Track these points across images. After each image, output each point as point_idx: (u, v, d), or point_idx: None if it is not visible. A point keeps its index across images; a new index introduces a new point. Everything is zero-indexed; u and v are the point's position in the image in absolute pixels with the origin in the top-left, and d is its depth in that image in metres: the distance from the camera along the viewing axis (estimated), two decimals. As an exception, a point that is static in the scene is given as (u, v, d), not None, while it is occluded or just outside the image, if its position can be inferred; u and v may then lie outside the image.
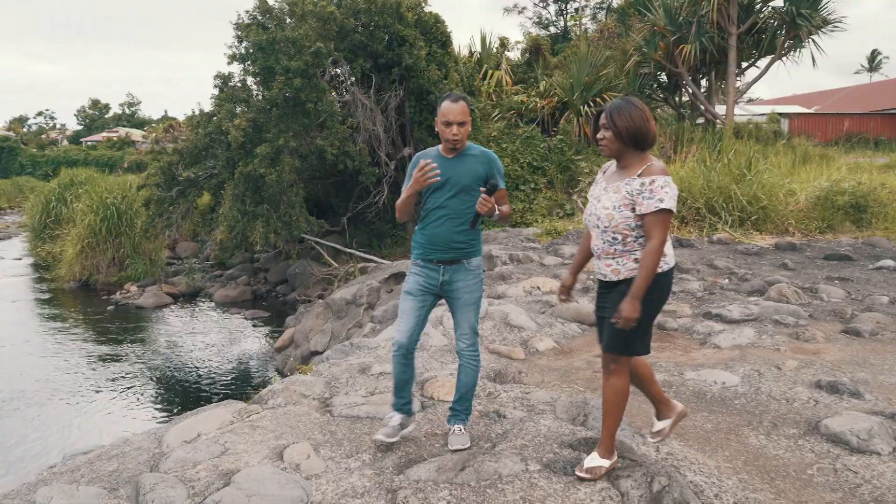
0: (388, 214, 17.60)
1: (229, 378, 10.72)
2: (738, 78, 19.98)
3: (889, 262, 8.08)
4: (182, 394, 9.92)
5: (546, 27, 27.46)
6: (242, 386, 10.33)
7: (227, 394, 9.80)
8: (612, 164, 3.16)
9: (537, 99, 19.41)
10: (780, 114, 34.77)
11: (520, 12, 28.68)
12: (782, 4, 17.24)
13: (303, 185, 15.83)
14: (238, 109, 14.95)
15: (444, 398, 4.16)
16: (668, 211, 2.87)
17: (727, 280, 7.73)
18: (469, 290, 3.44)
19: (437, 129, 3.36)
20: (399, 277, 12.02)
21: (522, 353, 5.16)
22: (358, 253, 16.48)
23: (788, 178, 11.48)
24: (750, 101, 44.10)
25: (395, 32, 15.85)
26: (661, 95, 21.10)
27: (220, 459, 3.25)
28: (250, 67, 15.23)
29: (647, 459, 3.30)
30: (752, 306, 6.28)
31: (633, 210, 2.90)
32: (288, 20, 15.16)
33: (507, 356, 5.07)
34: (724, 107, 18.98)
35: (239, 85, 15.47)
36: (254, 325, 14.28)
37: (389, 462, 3.30)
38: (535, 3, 27.64)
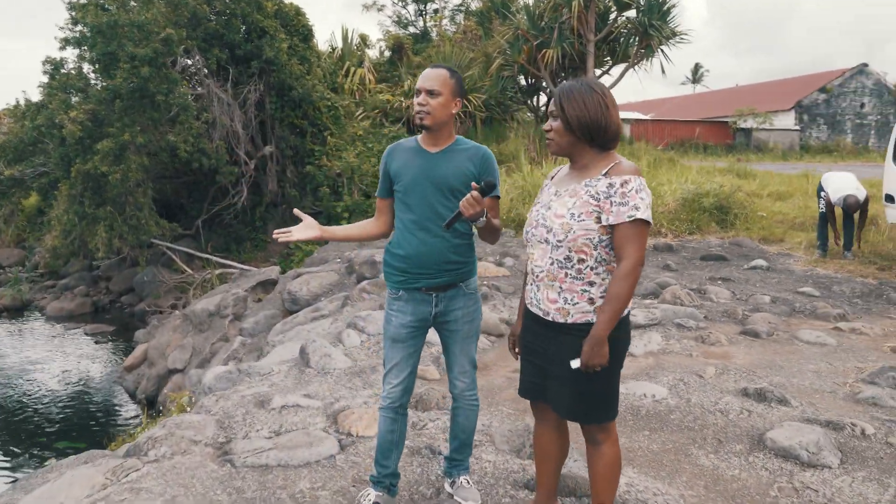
0: (247, 216, 16.51)
1: (73, 408, 9.39)
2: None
3: (761, 262, 8.43)
4: (15, 434, 8.49)
5: (405, 27, 27.15)
6: (91, 417, 9.09)
7: (74, 430, 8.56)
8: (562, 169, 2.50)
9: (402, 98, 19.06)
10: (623, 119, 36.80)
11: (379, 10, 28.26)
12: (636, 15, 18.02)
13: (151, 185, 14.41)
14: (74, 100, 13.34)
15: (364, 433, 3.60)
16: (646, 223, 2.23)
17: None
18: (469, 319, 2.78)
19: None
20: (267, 285, 11.15)
21: (437, 373, 4.69)
22: (215, 258, 15.29)
23: (654, 182, 11.86)
24: (594, 106, 46.35)
25: (253, 22, 14.87)
26: (521, 98, 21.45)
27: (101, 542, 2.51)
28: (87, 53, 13.63)
29: (613, 495, 2.94)
30: (653, 310, 6.21)
31: (599, 220, 2.23)
32: (132, 3, 13.71)
33: (422, 377, 4.57)
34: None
35: (74, 72, 13.81)
36: (96, 342, 12.76)
37: (320, 524, 2.71)
38: (393, 2, 27.30)
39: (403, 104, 18.87)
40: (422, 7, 26.99)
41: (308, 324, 7.10)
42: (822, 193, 8.74)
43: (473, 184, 2.43)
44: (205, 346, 10.15)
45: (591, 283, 2.28)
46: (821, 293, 7.21)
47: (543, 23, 17.94)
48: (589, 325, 2.26)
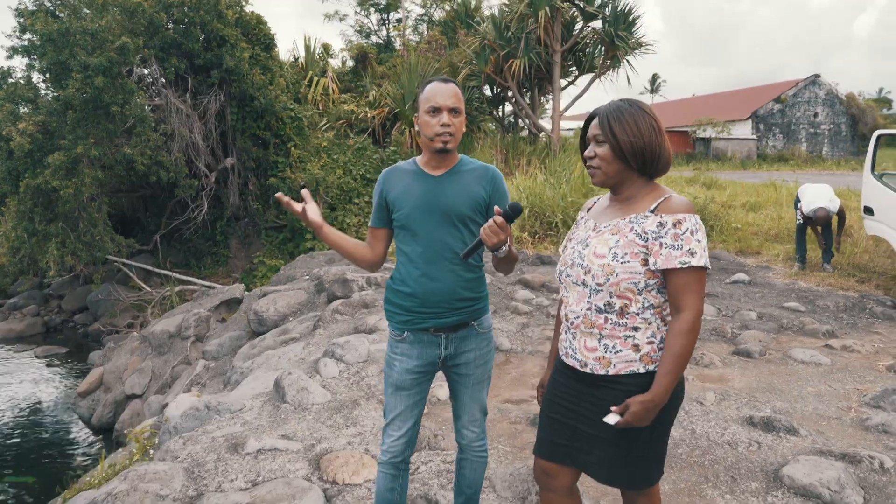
0: (207, 231, 15.94)
1: (22, 437, 8.79)
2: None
3: (742, 276, 8.30)
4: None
5: (368, 36, 26.82)
6: (41, 448, 8.50)
7: (23, 461, 7.97)
8: (599, 199, 2.21)
9: (367, 108, 18.71)
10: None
11: (341, 20, 27.88)
12: (602, 26, 17.97)
13: (106, 200, 13.81)
14: (23, 111, 12.69)
15: (351, 481, 3.26)
16: (704, 269, 1.93)
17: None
18: (482, 362, 2.48)
19: (417, 127, 2.36)
20: (232, 305, 10.68)
21: (426, 407, 4.37)
22: (174, 275, 14.70)
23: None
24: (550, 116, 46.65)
25: (213, 31, 14.34)
26: (487, 109, 21.27)
27: None
28: (37, 62, 12.99)
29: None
30: (641, 330, 5.99)
31: (646, 261, 1.94)
32: (85, 10, 13.11)
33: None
34: (546, 120, 19.54)
35: (23, 82, 13.14)
36: (48, 365, 12.11)
37: None
38: (356, 12, 26.92)
39: (368, 114, 18.53)
40: (385, 17, 26.70)
41: (277, 348, 6.71)
42: (799, 205, 8.68)
43: (497, 208, 2.10)
44: (165, 369, 9.65)
45: (636, 329, 1.97)
46: (806, 308, 7.08)
47: (510, 33, 17.77)
48: (633, 375, 1.95)
